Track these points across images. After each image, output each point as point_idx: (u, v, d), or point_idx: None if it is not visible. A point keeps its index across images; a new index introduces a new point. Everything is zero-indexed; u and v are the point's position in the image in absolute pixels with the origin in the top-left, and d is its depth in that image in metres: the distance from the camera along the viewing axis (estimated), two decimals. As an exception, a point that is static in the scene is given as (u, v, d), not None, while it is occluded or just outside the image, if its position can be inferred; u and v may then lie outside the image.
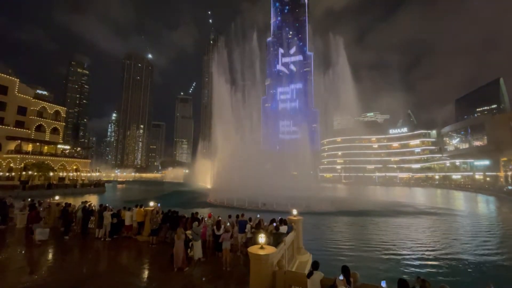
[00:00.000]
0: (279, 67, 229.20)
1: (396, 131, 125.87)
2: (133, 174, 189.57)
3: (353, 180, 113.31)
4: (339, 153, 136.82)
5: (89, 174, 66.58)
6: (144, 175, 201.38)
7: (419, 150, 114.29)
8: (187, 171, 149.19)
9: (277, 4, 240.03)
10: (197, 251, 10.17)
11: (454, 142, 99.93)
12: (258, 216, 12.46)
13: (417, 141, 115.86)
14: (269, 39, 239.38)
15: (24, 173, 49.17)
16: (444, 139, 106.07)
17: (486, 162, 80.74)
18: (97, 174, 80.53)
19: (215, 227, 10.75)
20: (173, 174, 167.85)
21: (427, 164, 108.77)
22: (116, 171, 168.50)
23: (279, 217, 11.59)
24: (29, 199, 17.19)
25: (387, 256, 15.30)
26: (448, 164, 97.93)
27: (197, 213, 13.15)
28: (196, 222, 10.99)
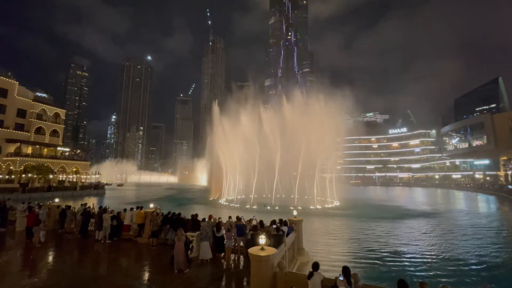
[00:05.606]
0: (280, 66, 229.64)
1: (395, 131, 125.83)
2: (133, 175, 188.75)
3: (360, 181, 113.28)
4: (339, 153, 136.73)
5: (88, 176, 66.45)
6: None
7: (419, 150, 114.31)
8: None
9: (276, 5, 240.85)
10: (206, 251, 9.92)
11: (453, 142, 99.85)
12: (254, 216, 12.48)
13: (416, 141, 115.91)
14: (269, 40, 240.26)
15: (23, 175, 49.06)
16: (444, 138, 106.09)
17: (486, 162, 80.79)
18: (97, 176, 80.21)
19: (215, 228, 10.71)
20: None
21: (427, 164, 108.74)
22: (117, 175, 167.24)
23: (279, 218, 11.57)
24: (30, 202, 17.15)
25: (388, 257, 15.24)
26: (448, 164, 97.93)
27: (196, 214, 13.10)
28: (205, 222, 10.97)
